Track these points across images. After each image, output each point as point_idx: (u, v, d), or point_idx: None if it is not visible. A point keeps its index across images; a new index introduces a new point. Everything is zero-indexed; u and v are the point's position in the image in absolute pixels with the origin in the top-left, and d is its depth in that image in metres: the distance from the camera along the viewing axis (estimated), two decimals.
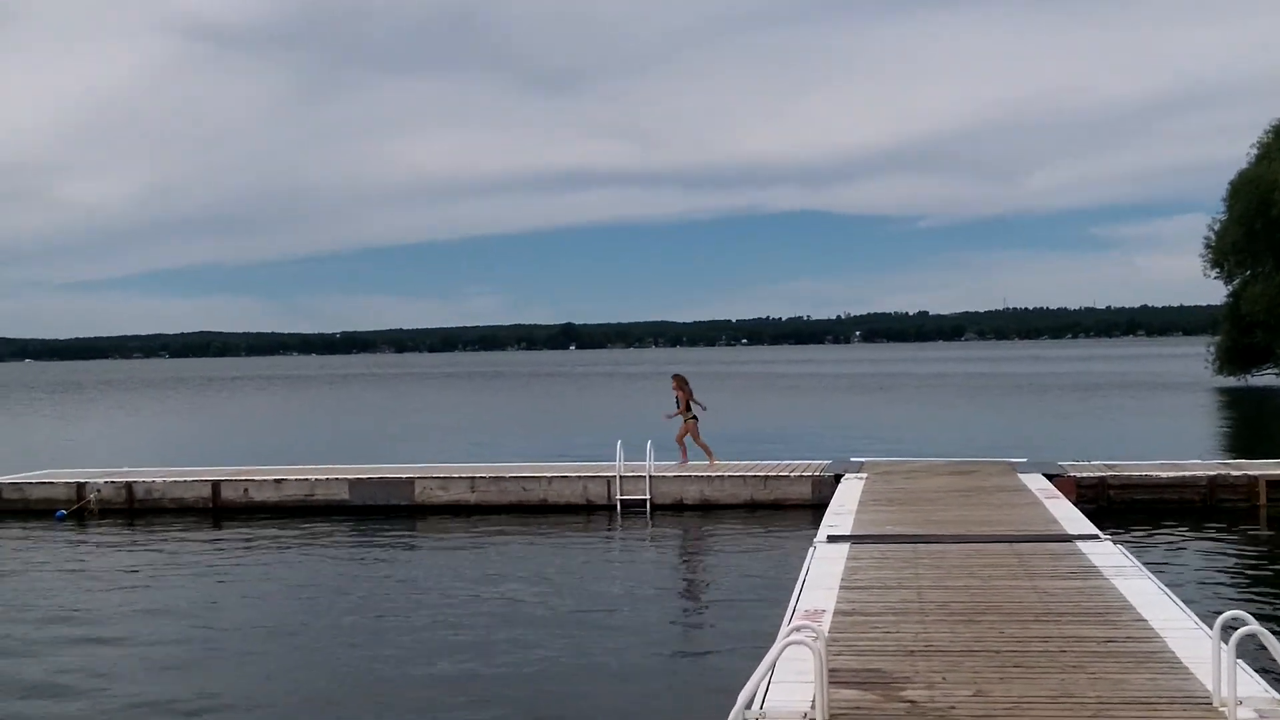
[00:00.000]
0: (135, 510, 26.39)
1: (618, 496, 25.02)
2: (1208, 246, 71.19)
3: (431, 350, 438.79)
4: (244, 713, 12.23)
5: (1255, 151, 68.79)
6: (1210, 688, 8.52)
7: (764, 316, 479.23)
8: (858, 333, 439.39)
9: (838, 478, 23.80)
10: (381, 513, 25.38)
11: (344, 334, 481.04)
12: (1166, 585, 12.64)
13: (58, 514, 26.00)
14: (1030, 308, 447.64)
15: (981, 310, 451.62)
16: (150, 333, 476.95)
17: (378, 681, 13.08)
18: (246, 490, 26.45)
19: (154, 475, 27.55)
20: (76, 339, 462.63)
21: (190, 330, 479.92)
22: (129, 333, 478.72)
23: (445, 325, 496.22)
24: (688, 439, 27.08)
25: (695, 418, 27.27)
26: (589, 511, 24.95)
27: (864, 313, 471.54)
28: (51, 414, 79.27)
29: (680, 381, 27.58)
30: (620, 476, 25.11)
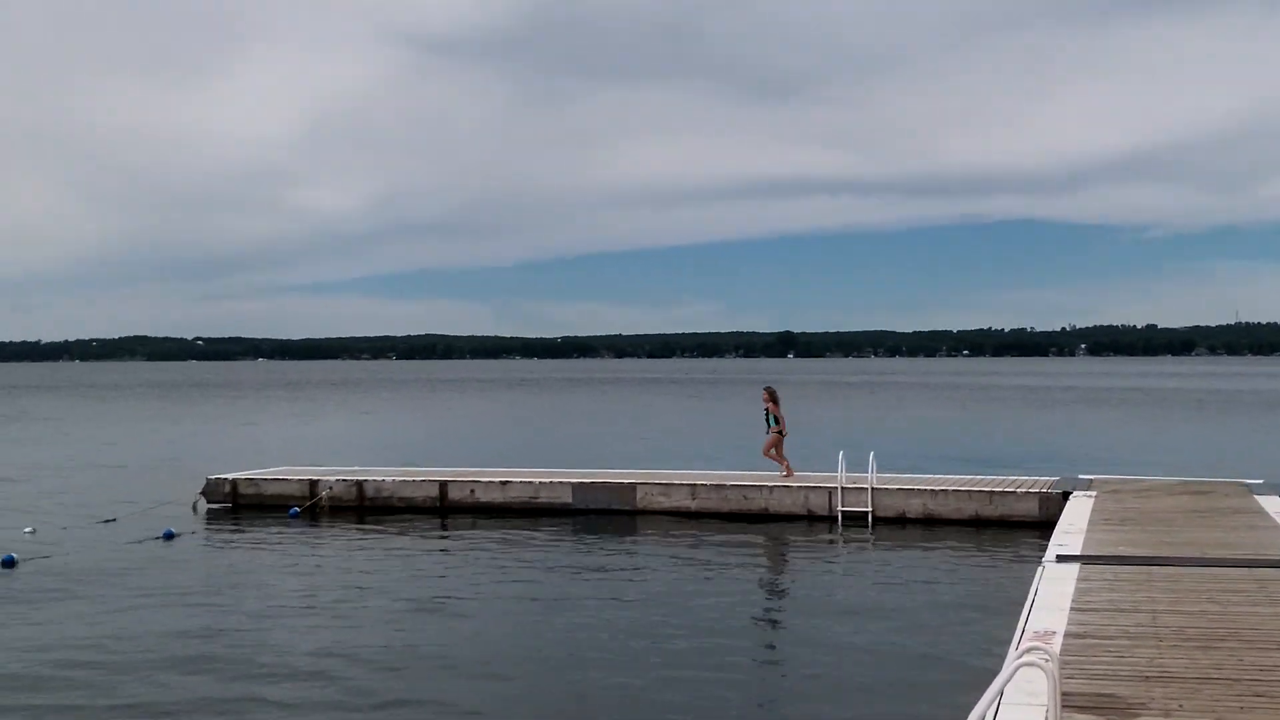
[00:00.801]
0: (365, 508, 27.21)
1: (839, 508, 24.90)
2: None
3: (650, 356, 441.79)
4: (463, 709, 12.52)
5: None
6: None
7: (986, 327, 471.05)
8: (1083, 345, 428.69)
9: (1066, 495, 23.30)
10: (603, 516, 25.70)
11: (565, 339, 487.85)
12: None
13: (291, 510, 26.94)
14: (1264, 322, 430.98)
15: (1212, 324, 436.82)
16: (378, 334, 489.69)
17: (600, 690, 13.27)
18: (473, 491, 27.05)
19: (383, 474, 28.39)
20: (308, 339, 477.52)
21: (416, 333, 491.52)
22: (358, 334, 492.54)
23: (663, 331, 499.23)
24: (773, 451, 27.45)
25: (781, 432, 27.50)
26: (809, 521, 24.89)
27: (1089, 325, 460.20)
28: (284, 412, 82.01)
29: (771, 394, 27.91)
30: (842, 487, 24.99)
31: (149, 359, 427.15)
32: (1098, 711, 8.85)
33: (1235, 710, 8.89)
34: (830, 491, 25.16)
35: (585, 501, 26.37)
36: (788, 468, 27.15)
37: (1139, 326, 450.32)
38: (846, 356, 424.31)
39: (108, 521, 25.74)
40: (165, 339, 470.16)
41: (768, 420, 27.80)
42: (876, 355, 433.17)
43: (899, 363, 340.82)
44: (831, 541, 23.37)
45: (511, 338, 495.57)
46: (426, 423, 69.03)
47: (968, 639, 15.17)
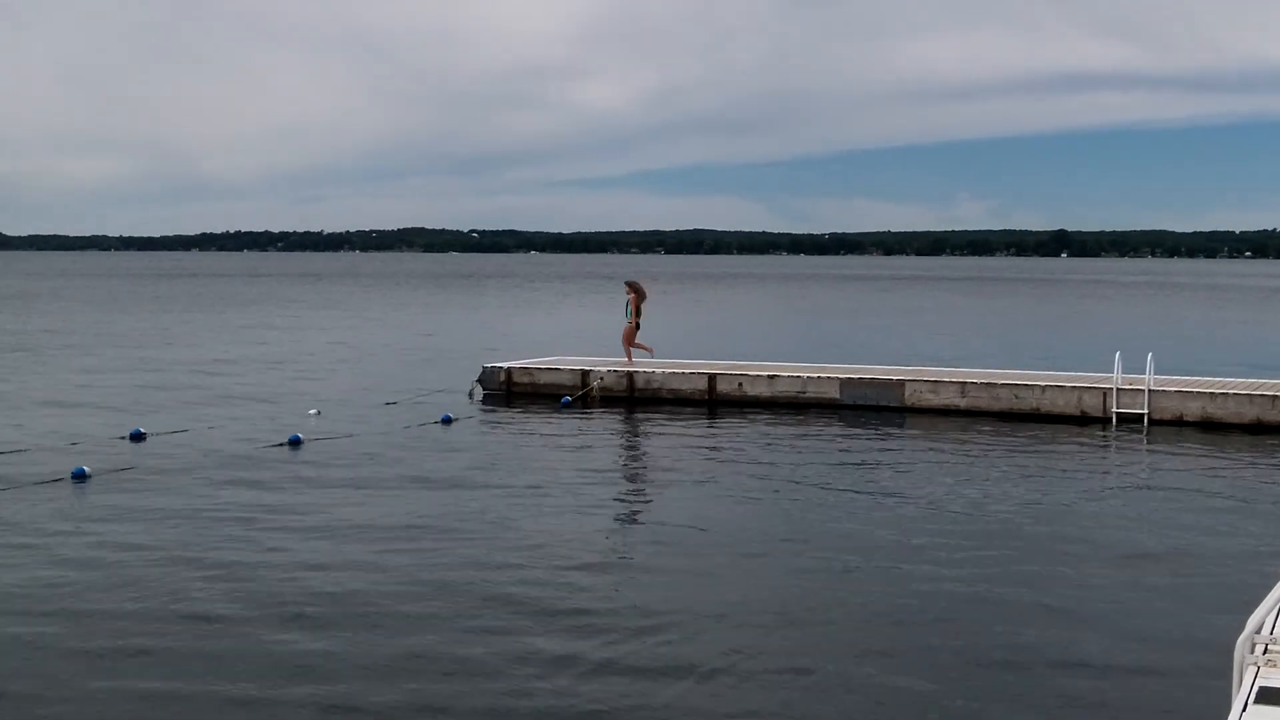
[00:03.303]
0: (635, 399, 27.74)
1: (1113, 409, 24.39)
2: None
3: (919, 254, 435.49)
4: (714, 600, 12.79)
5: None
6: None
7: (1270, 229, 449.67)
8: None
9: None
10: (870, 412, 25.68)
11: (832, 235, 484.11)
12: None
13: (563, 399, 27.62)
14: None
15: None
16: (647, 229, 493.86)
17: (857, 598, 13.40)
18: (740, 385, 27.31)
19: (653, 366, 28.81)
20: (578, 233, 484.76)
21: (685, 228, 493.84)
22: (627, 229, 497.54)
23: (933, 229, 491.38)
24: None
25: (636, 324, 29.59)
26: (1082, 423, 24.44)
27: None
28: (556, 304, 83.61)
29: (632, 287, 30.24)
30: (1117, 389, 24.45)
31: (425, 250, 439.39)
32: None
33: None
34: (1105, 392, 24.64)
35: (853, 397, 26.38)
36: (630, 357, 29.14)
37: None
38: (1122, 257, 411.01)
39: (389, 405, 26.80)
40: (441, 230, 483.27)
41: (626, 311, 29.82)
42: (1154, 256, 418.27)
43: (1177, 264, 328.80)
44: (1105, 444, 22.92)
45: (779, 233, 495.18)
46: (695, 317, 69.57)
47: (1249, 545, 14.79)
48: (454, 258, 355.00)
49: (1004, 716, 9.49)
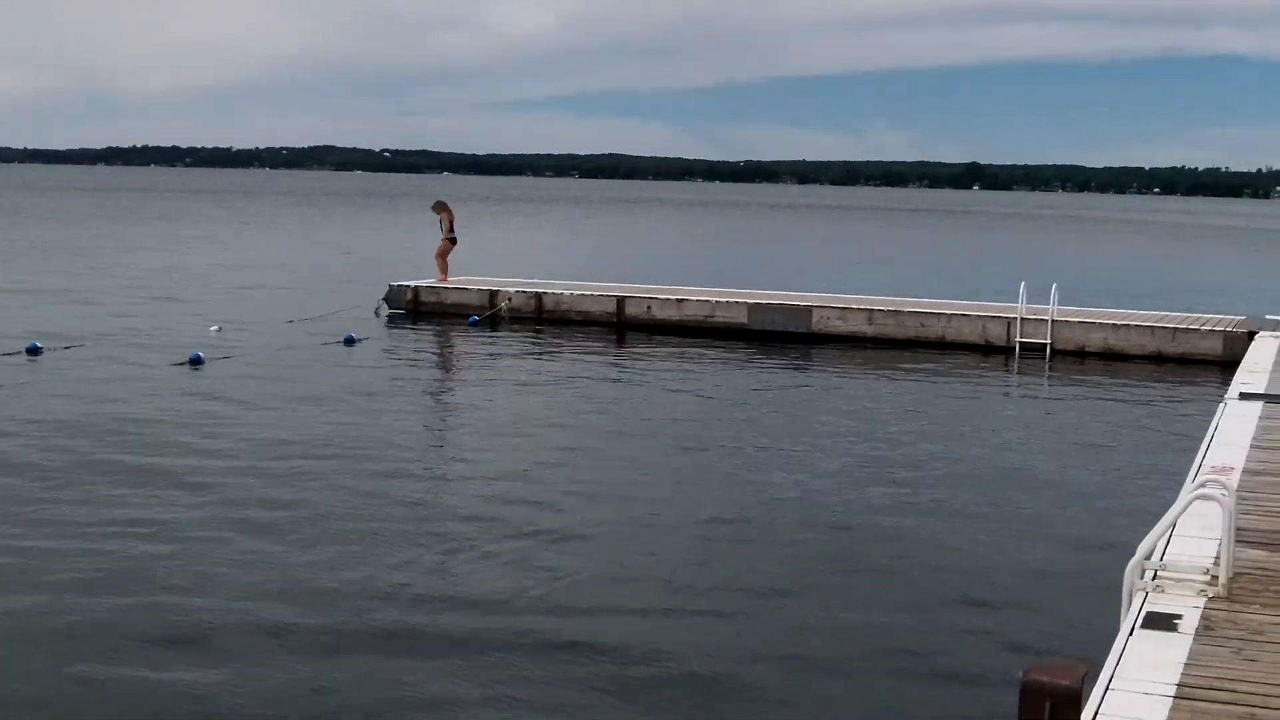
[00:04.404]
0: (543, 319, 27.55)
1: (1017, 338, 24.54)
2: None
3: (833, 184, 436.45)
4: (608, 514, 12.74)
5: None
6: None
7: (1179, 165, 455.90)
8: (1278, 187, 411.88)
9: (1251, 334, 22.65)
10: (778, 339, 25.68)
11: (748, 163, 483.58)
12: None
13: (471, 319, 27.40)
14: None
15: None
16: (563, 153, 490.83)
17: (750, 515, 13.41)
18: (649, 308, 27.19)
19: (562, 288, 28.62)
20: (493, 155, 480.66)
21: (601, 152, 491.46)
22: (543, 151, 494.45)
23: (848, 159, 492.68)
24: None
25: (453, 240, 30.09)
26: (986, 352, 24.59)
27: None
28: (466, 226, 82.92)
29: (440, 206, 30.85)
30: (1021, 319, 24.59)
31: (337, 169, 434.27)
32: (1272, 548, 8.68)
33: None
34: (1009, 322, 24.78)
35: (761, 323, 26.34)
36: (443, 275, 29.52)
37: None
38: (1034, 191, 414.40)
39: (291, 323, 26.42)
40: (353, 149, 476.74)
41: (440, 228, 30.26)
42: (1065, 191, 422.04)
43: (1088, 198, 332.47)
44: (1008, 373, 23.10)
45: (695, 160, 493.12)
46: (607, 240, 69.35)
47: (1144, 473, 14.98)
48: (366, 177, 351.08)
49: (899, 648, 9.50)
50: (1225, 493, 8.04)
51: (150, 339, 23.76)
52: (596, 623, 9.67)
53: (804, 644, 9.38)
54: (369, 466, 14.31)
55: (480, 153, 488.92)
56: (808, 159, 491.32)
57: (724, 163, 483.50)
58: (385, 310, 28.82)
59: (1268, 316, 25.45)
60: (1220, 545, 7.93)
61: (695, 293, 28.22)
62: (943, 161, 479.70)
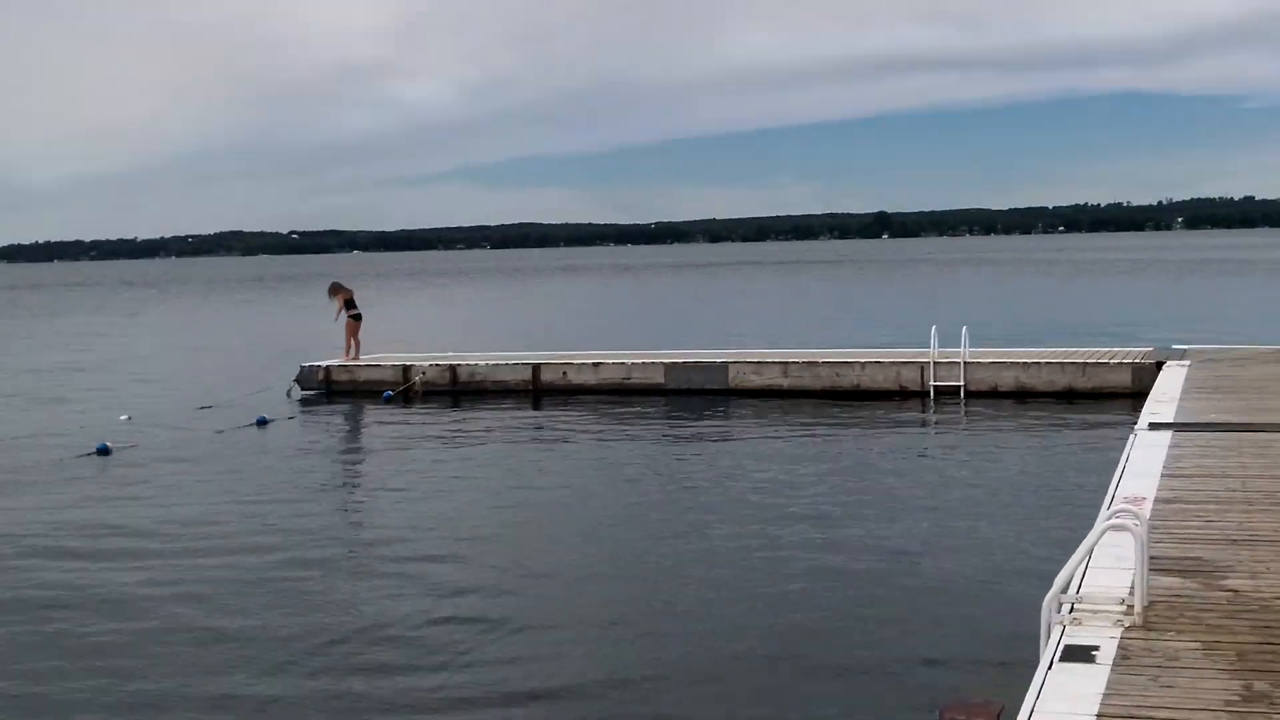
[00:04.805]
0: (458, 392, 27.42)
1: (931, 382, 24.75)
2: None
3: (744, 240, 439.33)
4: (542, 587, 12.67)
5: None
6: None
7: (1082, 203, 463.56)
8: (1180, 219, 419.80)
9: (1159, 365, 22.96)
10: (696, 396, 25.71)
11: (659, 224, 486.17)
12: None
13: (385, 394, 27.23)
14: None
15: None
16: (473, 224, 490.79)
17: (672, 575, 13.38)
18: (565, 373, 27.16)
19: (476, 358, 28.52)
20: (403, 230, 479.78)
21: (511, 222, 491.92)
22: (452, 225, 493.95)
23: (758, 215, 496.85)
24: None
25: (358, 317, 30.01)
26: (902, 397, 24.77)
27: (1186, 198, 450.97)
28: (378, 302, 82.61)
29: (336, 288, 30.86)
30: (934, 362, 24.82)
31: (245, 254, 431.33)
32: (1185, 574, 8.76)
33: None
34: (923, 366, 24.99)
35: (678, 381, 26.38)
36: (354, 354, 29.71)
37: (1236, 199, 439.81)
38: (941, 236, 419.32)
39: (203, 409, 26.13)
40: (260, 233, 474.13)
41: (341, 310, 30.20)
42: (972, 234, 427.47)
43: (994, 241, 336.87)
44: (924, 417, 23.27)
45: (606, 224, 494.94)
46: (520, 309, 69.32)
47: (1058, 507, 15.09)
48: (275, 260, 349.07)
49: (819, 693, 9.50)
50: (1137, 522, 8.11)
51: (59, 431, 23.39)
52: (530, 683, 9.61)
53: (733, 690, 9.36)
54: (281, 548, 14.13)
55: (389, 229, 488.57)
56: (718, 217, 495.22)
57: (635, 225, 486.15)
58: (298, 391, 28.56)
59: (1174, 346, 25.83)
60: (1135, 575, 7.99)
61: (611, 355, 28.20)
62: (850, 212, 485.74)
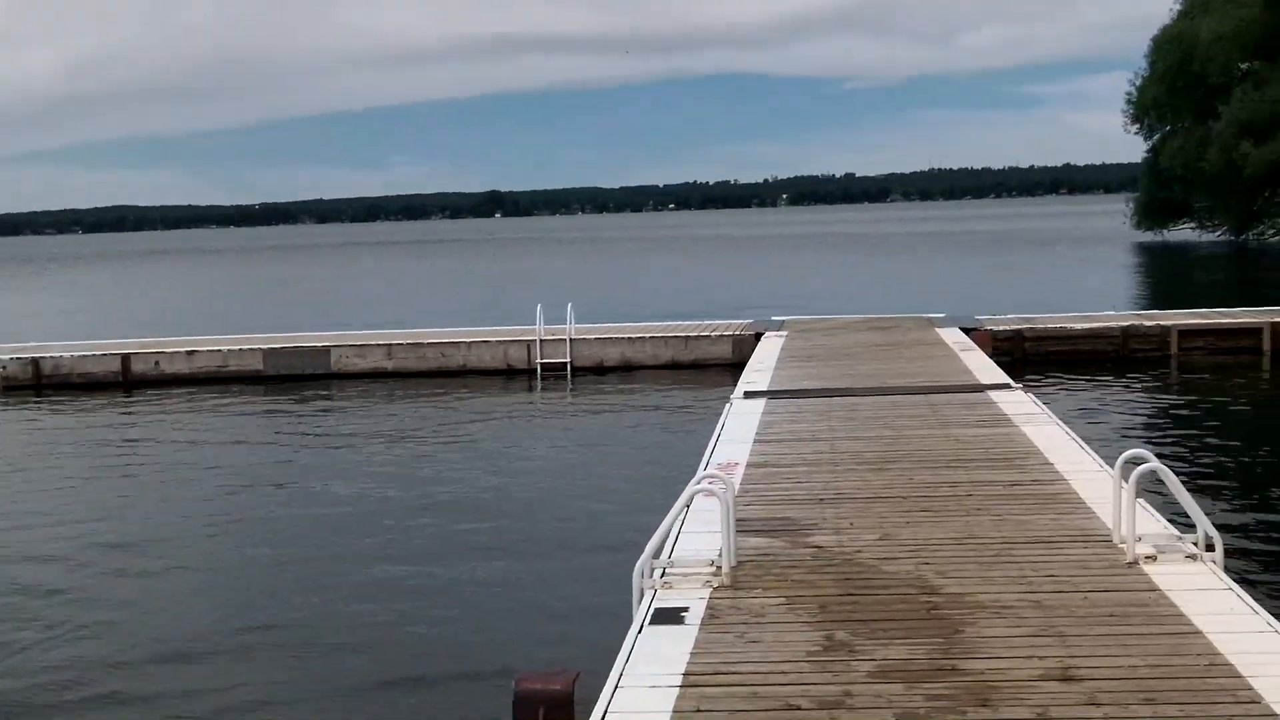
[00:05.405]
0: (42, 386, 25.91)
1: (538, 360, 24.92)
2: (1129, 103, 70.99)
3: (354, 220, 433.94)
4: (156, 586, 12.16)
5: (1178, 8, 68.33)
6: (1111, 525, 8.56)
7: (691, 181, 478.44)
8: (784, 196, 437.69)
9: (758, 336, 23.77)
10: (297, 382, 25.13)
11: (264, 205, 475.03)
12: (1078, 433, 12.69)
13: None
14: (956, 168, 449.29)
15: (908, 171, 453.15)
16: (62, 208, 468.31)
17: (279, 567, 13.06)
18: (158, 363, 26.09)
19: (61, 350, 27.04)
20: None
21: (104, 205, 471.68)
22: (39, 209, 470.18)
23: (368, 195, 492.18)
24: None
25: None
26: (509, 376, 24.86)
27: (791, 176, 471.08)
28: None
29: None
30: (540, 340, 24.99)
31: None
32: (772, 534, 9.03)
33: (902, 525, 9.18)
34: (529, 344, 25.13)
35: (278, 367, 25.72)
36: None
37: (838, 176, 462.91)
38: (554, 215, 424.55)
39: None
40: None
41: None
42: (585, 212, 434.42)
43: (606, 219, 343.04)
44: (530, 394, 23.41)
45: (207, 206, 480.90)
46: (110, 298, 66.40)
47: (661, 476, 15.34)
48: None
49: (405, 675, 9.39)
50: (724, 487, 8.30)
51: None
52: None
53: (332, 670, 9.14)
54: None
55: None
56: (326, 198, 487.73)
57: (238, 207, 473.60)
58: None
59: (773, 318, 26.78)
60: (722, 537, 8.16)
61: (207, 342, 27.24)
62: (463, 191, 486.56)
